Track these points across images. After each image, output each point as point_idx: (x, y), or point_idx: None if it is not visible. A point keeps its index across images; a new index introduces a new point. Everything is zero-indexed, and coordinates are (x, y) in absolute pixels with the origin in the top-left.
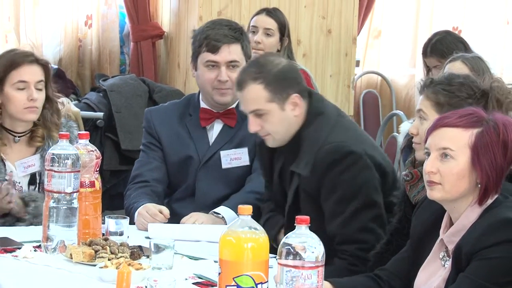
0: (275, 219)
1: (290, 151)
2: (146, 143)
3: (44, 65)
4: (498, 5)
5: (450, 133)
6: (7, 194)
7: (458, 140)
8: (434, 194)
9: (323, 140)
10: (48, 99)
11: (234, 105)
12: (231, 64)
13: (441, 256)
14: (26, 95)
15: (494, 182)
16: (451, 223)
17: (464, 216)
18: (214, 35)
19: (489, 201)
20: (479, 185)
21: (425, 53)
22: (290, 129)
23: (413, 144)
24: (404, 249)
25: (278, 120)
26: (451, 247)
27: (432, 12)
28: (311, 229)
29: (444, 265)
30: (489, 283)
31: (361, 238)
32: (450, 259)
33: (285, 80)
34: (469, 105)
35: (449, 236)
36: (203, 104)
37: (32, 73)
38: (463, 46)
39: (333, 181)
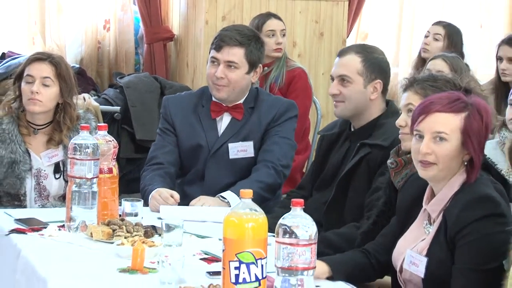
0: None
1: (364, 133)
2: (162, 128)
3: (55, 64)
4: (472, 10)
5: (443, 118)
6: None
7: (451, 125)
8: (428, 173)
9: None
10: (63, 100)
11: (241, 101)
12: (229, 64)
13: (424, 225)
14: (30, 88)
15: (480, 159)
16: (433, 195)
17: (446, 188)
18: (223, 36)
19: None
20: (466, 163)
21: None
22: (361, 108)
23: (400, 135)
24: (389, 225)
25: (356, 93)
26: (434, 215)
27: (414, 18)
28: (355, 199)
29: (426, 232)
30: (477, 265)
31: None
32: (432, 226)
33: (379, 68)
34: None
35: (433, 206)
36: (214, 98)
37: (38, 69)
38: None
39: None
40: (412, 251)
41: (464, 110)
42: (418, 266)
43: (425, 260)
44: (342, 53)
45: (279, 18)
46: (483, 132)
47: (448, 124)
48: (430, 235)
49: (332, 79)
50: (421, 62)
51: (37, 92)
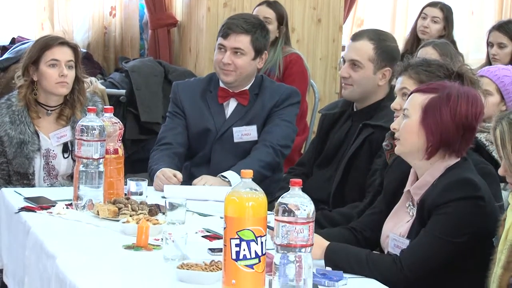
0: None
1: (366, 114)
2: (172, 111)
3: (73, 47)
4: None
5: (413, 97)
6: None
7: (414, 102)
8: (396, 148)
9: None
10: (77, 79)
11: (247, 87)
12: (236, 50)
13: (407, 205)
14: (57, 72)
15: (439, 140)
16: (416, 178)
17: (428, 173)
18: (230, 24)
19: (451, 162)
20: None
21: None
22: (368, 92)
23: (395, 118)
24: (375, 204)
25: (365, 78)
26: (416, 198)
27: (408, 4)
28: (357, 179)
29: (410, 213)
30: (444, 235)
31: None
32: (415, 208)
33: (390, 56)
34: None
35: (415, 189)
36: (221, 84)
37: (62, 53)
38: None
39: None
40: (394, 234)
41: (435, 91)
42: (401, 248)
43: (407, 242)
44: (355, 37)
45: (272, 7)
46: (446, 114)
47: (413, 101)
48: (412, 218)
49: (344, 61)
50: (412, 42)
51: (63, 75)
